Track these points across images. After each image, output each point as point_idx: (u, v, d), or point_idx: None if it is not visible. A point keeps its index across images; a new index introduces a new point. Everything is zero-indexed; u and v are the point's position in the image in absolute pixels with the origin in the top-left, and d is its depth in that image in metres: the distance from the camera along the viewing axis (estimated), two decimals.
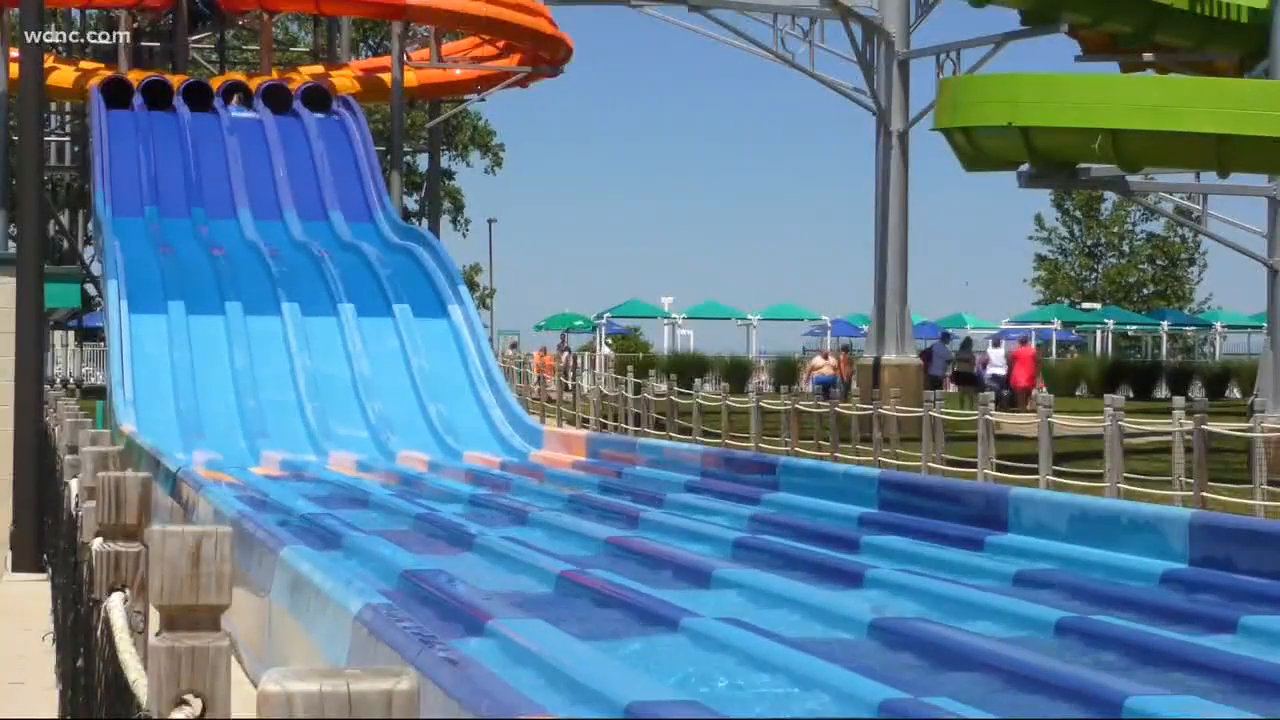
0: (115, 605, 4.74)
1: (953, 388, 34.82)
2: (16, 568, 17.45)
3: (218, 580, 3.36)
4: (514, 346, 58.31)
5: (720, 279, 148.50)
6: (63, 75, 39.60)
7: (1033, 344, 40.91)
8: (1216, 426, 18.97)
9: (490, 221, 69.52)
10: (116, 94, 36.91)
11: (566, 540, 15.00)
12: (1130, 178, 25.76)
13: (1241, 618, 10.21)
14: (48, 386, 23.87)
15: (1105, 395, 21.64)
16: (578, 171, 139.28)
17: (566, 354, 47.63)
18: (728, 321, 67.64)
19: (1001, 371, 35.94)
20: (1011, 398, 33.95)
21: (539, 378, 41.46)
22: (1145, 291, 78.33)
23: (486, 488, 20.55)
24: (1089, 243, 78.71)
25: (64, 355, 54.87)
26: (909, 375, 32.90)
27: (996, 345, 39.95)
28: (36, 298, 18.18)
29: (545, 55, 43.42)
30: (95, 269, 43.06)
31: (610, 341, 65.89)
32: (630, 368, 38.40)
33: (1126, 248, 78.78)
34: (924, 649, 9.38)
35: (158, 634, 3.32)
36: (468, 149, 71.16)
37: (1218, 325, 71.34)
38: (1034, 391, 32.16)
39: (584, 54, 65.85)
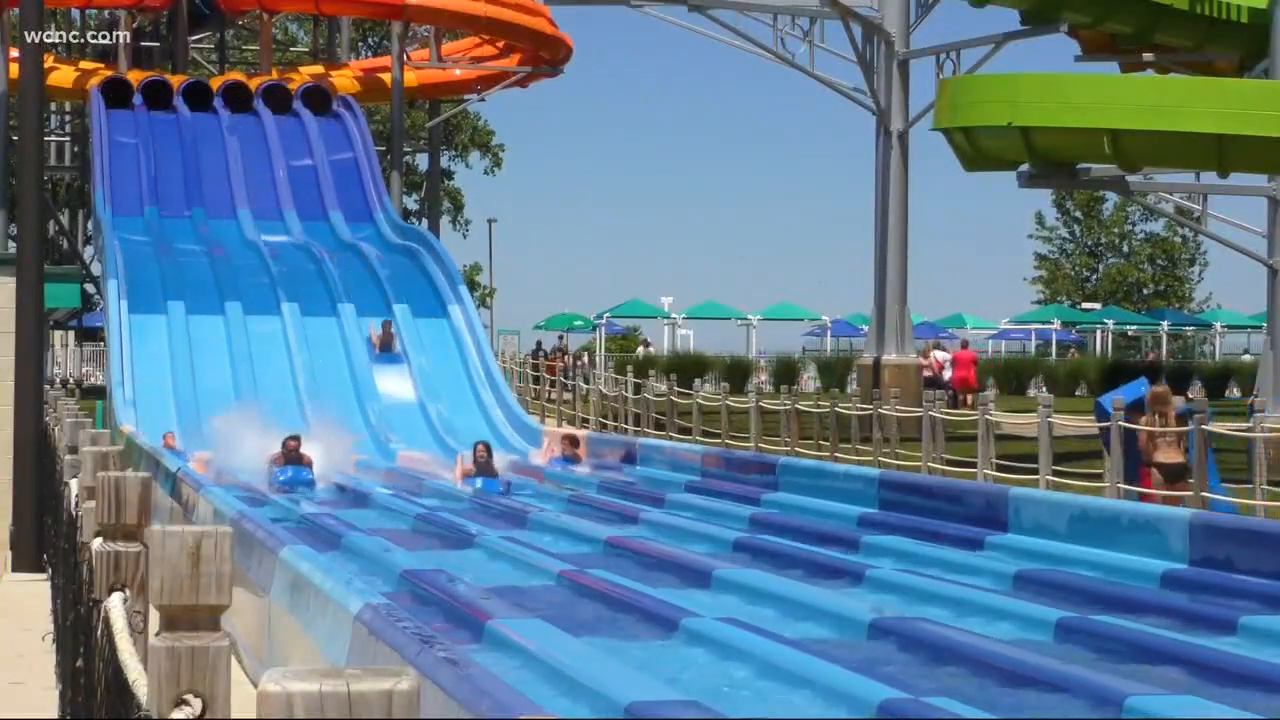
0: (115, 605, 4.73)
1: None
2: (16, 568, 17.45)
3: (218, 580, 3.36)
4: (538, 347, 58.12)
5: (720, 279, 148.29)
6: (63, 75, 39.57)
7: (972, 348, 43.42)
8: (1216, 426, 18.95)
9: (490, 221, 69.45)
10: (116, 94, 36.91)
11: (566, 540, 15.01)
12: (1130, 178, 25.75)
13: (1241, 618, 10.21)
14: (48, 386, 23.86)
15: None
16: (578, 171, 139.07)
17: (569, 358, 47.46)
18: (728, 321, 67.58)
19: (946, 375, 37.41)
20: (954, 397, 34.51)
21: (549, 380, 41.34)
22: (1145, 291, 78.30)
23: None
24: (1089, 242, 78.68)
25: (64, 355, 54.82)
26: (909, 375, 32.92)
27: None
28: (36, 298, 18.18)
29: (545, 55, 43.40)
30: (95, 269, 43.06)
31: (649, 343, 66.18)
32: (630, 368, 38.35)
33: (1127, 248, 78.75)
34: (924, 649, 9.38)
35: (158, 634, 3.32)
36: (467, 149, 71.11)
37: (1218, 325, 71.28)
38: (974, 388, 34.77)
39: (584, 54, 65.83)
